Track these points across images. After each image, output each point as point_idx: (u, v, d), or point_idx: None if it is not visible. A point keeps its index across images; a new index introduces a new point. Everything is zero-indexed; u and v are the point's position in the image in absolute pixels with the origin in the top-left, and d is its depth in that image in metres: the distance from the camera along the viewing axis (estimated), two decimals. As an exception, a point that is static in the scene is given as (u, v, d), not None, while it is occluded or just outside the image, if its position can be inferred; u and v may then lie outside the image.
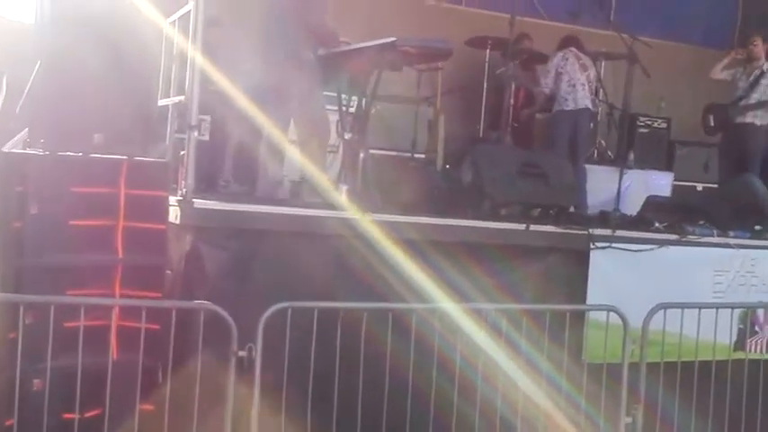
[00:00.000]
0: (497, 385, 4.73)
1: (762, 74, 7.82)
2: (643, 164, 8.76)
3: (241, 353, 3.93)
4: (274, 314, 4.01)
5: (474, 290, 4.90)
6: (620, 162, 8.25)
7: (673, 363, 5.32)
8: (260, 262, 4.55)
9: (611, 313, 4.92)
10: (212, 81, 5.17)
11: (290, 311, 4.05)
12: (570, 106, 7.53)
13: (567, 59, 7.59)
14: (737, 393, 5.53)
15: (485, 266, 4.95)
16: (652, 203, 6.03)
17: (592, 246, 5.28)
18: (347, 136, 5.48)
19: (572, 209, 5.73)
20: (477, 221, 5.00)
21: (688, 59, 9.93)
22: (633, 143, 8.93)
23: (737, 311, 5.68)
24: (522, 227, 5.11)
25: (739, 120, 7.93)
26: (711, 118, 8.28)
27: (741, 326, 5.77)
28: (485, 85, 8.21)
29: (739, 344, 5.76)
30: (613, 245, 5.34)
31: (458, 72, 8.32)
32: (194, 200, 4.36)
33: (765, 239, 5.98)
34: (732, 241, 5.77)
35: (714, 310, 5.37)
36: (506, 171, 5.18)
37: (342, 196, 4.99)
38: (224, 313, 3.95)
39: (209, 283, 4.33)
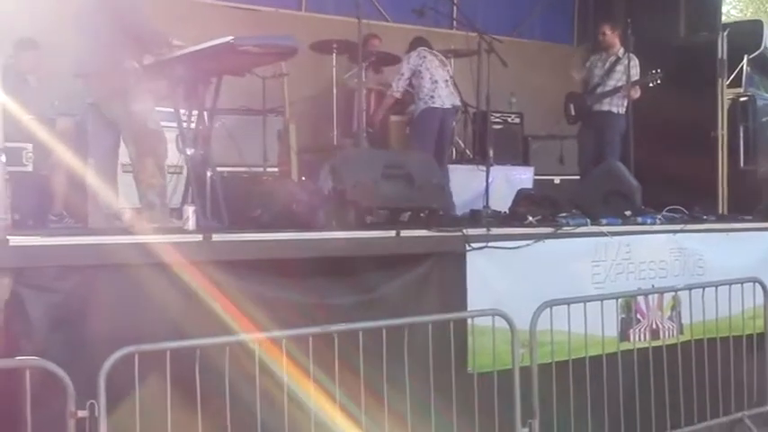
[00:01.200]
0: (383, 409, 4.30)
1: (617, 60, 7.80)
2: (501, 159, 8.60)
3: (81, 413, 3.29)
4: (118, 362, 3.38)
5: (345, 308, 4.44)
6: (481, 159, 8.11)
7: (564, 362, 5.07)
8: (98, 303, 3.89)
9: (497, 317, 4.60)
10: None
11: (137, 357, 3.44)
12: (437, 104, 7.23)
13: (424, 57, 7.30)
14: (629, 385, 5.36)
15: (354, 281, 4.49)
16: (524, 197, 5.76)
17: (468, 247, 4.93)
18: (189, 152, 4.87)
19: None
20: (341, 232, 4.52)
21: (532, 54, 9.88)
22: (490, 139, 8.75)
23: (620, 301, 5.50)
24: (392, 233, 4.67)
25: (597, 108, 7.87)
26: (572, 107, 8.20)
27: (623, 316, 5.58)
28: (334, 91, 7.77)
29: (624, 334, 5.56)
30: (489, 244, 5.00)
31: (305, 79, 7.88)
32: (9, 237, 3.66)
33: (637, 225, 5.82)
34: (606, 229, 5.57)
35: (599, 302, 5.18)
36: (369, 175, 4.74)
37: (186, 219, 4.39)
38: (56, 368, 3.29)
39: (37, 333, 3.64)
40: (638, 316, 5.69)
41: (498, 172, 8.17)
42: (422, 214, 4.92)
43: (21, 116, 5.32)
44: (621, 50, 7.83)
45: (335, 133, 7.71)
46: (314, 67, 7.92)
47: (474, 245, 4.94)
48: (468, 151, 8.34)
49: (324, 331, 4.10)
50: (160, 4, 6.15)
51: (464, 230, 4.93)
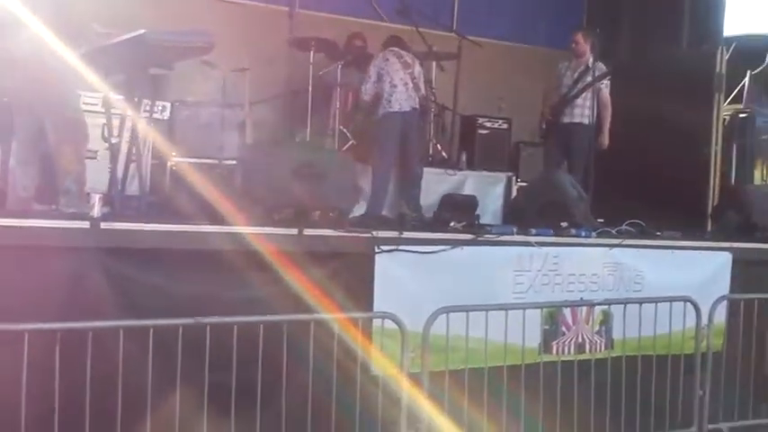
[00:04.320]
0: (281, 401, 4.38)
1: (586, 69, 7.69)
2: (486, 165, 8.59)
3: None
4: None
5: (238, 303, 4.51)
6: (449, 163, 8.14)
7: (479, 369, 5.06)
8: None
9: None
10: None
11: None
12: (395, 108, 7.22)
13: (387, 60, 7.29)
14: (551, 397, 5.32)
15: (248, 276, 4.56)
16: (449, 203, 5.74)
17: (377, 249, 4.95)
18: (114, 141, 5.02)
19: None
20: (238, 227, 4.59)
21: (531, 60, 9.80)
22: (474, 144, 8.74)
23: (543, 311, 5.46)
24: (294, 232, 4.73)
25: (566, 119, 7.80)
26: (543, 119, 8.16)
27: (547, 327, 5.53)
28: (310, 88, 7.84)
29: (546, 346, 5.51)
30: (400, 247, 5.01)
31: (281, 74, 8.00)
32: None
33: (569, 237, 5.76)
34: (532, 239, 5.53)
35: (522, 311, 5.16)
36: (279, 173, 4.80)
37: (92, 205, 4.51)
38: None
39: None
40: (564, 328, 5.63)
41: (474, 177, 8.24)
42: (331, 214, 4.95)
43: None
44: (591, 59, 7.72)
45: (308, 131, 7.80)
46: (291, 63, 8.03)
47: (384, 247, 4.96)
48: (444, 154, 8.32)
49: (218, 321, 4.18)
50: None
51: (374, 233, 4.95)
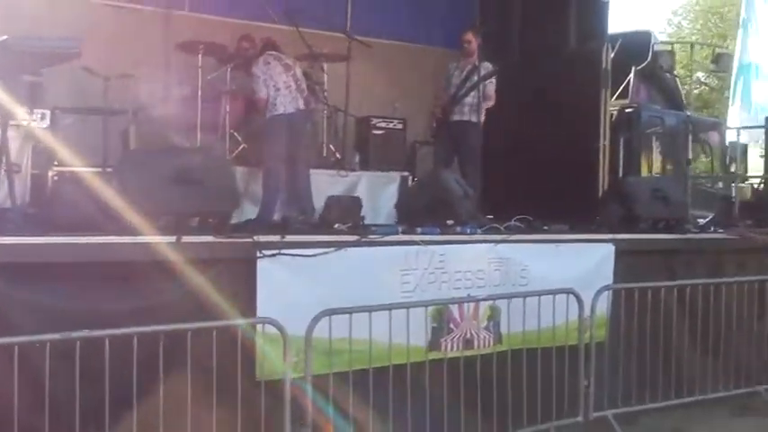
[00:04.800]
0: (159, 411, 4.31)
1: (473, 69, 7.80)
2: (381, 165, 8.62)
3: None
4: None
5: (121, 315, 4.42)
6: (342, 165, 8.14)
7: (365, 371, 5.08)
8: None
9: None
10: None
11: None
12: (280, 110, 7.18)
13: (268, 64, 7.24)
14: (438, 394, 5.37)
15: (131, 287, 4.47)
16: (334, 204, 5.74)
17: (258, 254, 4.91)
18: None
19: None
20: (117, 237, 4.49)
21: (426, 60, 9.89)
22: (369, 145, 8.77)
23: (429, 310, 5.50)
24: (173, 239, 4.65)
25: (455, 117, 7.90)
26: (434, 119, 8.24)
27: (435, 325, 5.58)
28: (199, 93, 7.73)
29: (435, 344, 5.56)
30: (283, 251, 4.98)
31: (169, 79, 7.86)
32: None
33: (454, 234, 5.83)
34: (418, 238, 5.57)
35: (403, 310, 5.19)
36: (157, 180, 4.71)
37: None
38: None
39: None
40: (452, 325, 5.70)
41: (367, 178, 8.26)
42: (210, 219, 4.89)
43: None
44: (477, 60, 7.84)
45: (198, 135, 7.68)
46: (179, 67, 7.90)
47: (265, 252, 4.93)
48: (337, 155, 8.32)
49: (90, 335, 4.10)
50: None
51: (255, 237, 4.91)
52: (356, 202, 5.75)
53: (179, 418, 4.39)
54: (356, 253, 5.32)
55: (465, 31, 8.15)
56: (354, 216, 5.51)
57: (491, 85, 7.89)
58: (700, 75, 23.06)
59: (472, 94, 7.78)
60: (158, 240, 4.64)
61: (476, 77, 7.75)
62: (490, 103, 7.85)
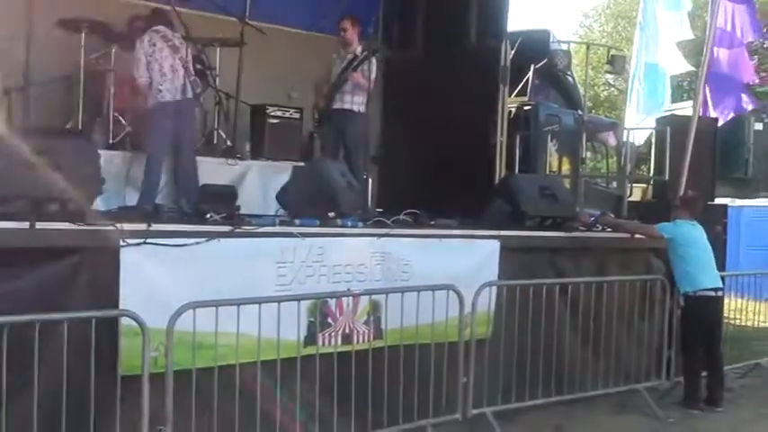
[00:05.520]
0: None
1: (355, 58, 7.67)
2: (276, 154, 8.41)
3: None
4: None
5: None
6: (231, 152, 7.92)
7: (230, 366, 4.90)
8: None
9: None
10: None
11: None
12: (167, 97, 6.90)
13: (154, 45, 6.93)
14: (311, 392, 5.23)
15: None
16: (209, 194, 5.53)
17: (122, 243, 4.66)
18: None
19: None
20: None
21: (324, 49, 9.67)
22: (264, 133, 8.55)
23: (307, 304, 5.35)
24: (26, 225, 4.37)
25: (336, 105, 7.78)
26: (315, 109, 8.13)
27: (312, 319, 5.43)
28: (82, 73, 7.37)
29: (311, 339, 5.41)
30: (149, 241, 4.75)
31: (51, 59, 7.46)
32: None
33: (334, 227, 5.69)
34: (295, 230, 5.41)
35: (275, 304, 5.02)
36: (12, 162, 4.42)
37: None
38: None
39: None
40: (330, 320, 5.56)
41: (256, 167, 8.05)
42: (69, 205, 4.62)
43: None
44: (360, 48, 7.73)
45: (80, 118, 7.33)
46: (60, 46, 7.51)
47: (130, 241, 4.69)
48: (228, 142, 8.08)
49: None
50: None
51: (118, 225, 4.66)
52: (231, 191, 5.53)
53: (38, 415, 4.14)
54: (228, 244, 5.11)
55: (342, 19, 8.02)
56: (229, 206, 5.29)
57: (368, 72, 7.72)
58: (608, 77, 23.54)
59: (351, 82, 7.64)
60: (10, 226, 4.36)
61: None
62: (364, 90, 7.71)
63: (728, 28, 8.89)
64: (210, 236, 5.01)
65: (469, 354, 5.87)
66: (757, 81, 9.34)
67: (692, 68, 11.12)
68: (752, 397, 7.29)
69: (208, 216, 5.13)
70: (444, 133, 8.68)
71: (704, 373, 6.93)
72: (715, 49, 8.89)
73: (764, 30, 11.18)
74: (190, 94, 6.94)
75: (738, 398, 7.17)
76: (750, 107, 9.80)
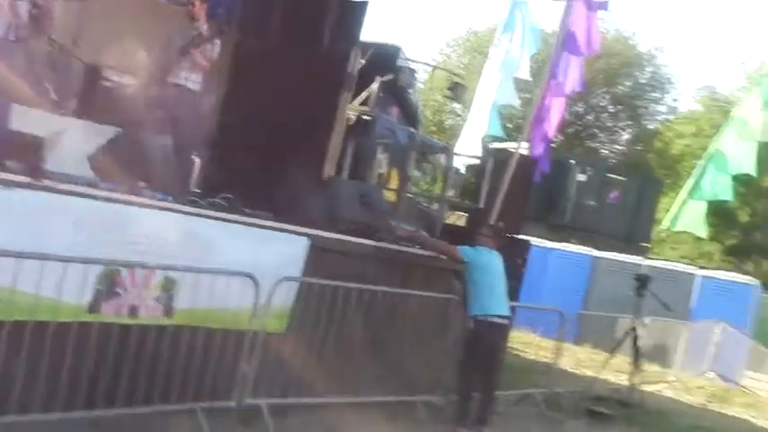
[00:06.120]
0: None
1: (198, 35, 7.57)
2: (103, 117, 8.11)
3: None
4: None
5: None
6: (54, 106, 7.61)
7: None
8: None
9: None
10: None
11: None
12: None
13: None
14: (87, 360, 5.13)
15: None
16: (12, 142, 5.31)
17: None
18: None
19: None
20: None
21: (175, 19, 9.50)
22: (95, 94, 8.22)
23: (98, 270, 5.22)
24: None
25: (170, 79, 7.65)
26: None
27: (99, 287, 5.30)
28: None
29: (95, 305, 5.29)
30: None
31: None
32: None
33: (141, 197, 5.61)
34: (98, 193, 5.29)
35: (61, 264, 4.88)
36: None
37: None
38: None
39: None
40: (119, 289, 5.45)
41: (81, 126, 7.75)
42: None
43: None
44: (206, 26, 7.67)
45: None
46: None
47: None
48: (54, 96, 7.71)
49: None
50: None
51: None
52: (39, 142, 5.34)
53: None
54: (24, 196, 4.93)
55: None
56: (35, 157, 5.10)
57: (210, 53, 7.69)
58: (455, 106, 24.25)
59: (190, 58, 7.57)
60: None
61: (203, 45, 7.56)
62: (202, 69, 7.67)
63: (561, 78, 9.43)
64: (5, 184, 4.82)
65: (255, 344, 5.91)
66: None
67: (517, 103, 11.71)
68: (517, 423, 7.71)
69: (7, 163, 4.92)
70: (282, 127, 8.73)
71: (478, 395, 7.27)
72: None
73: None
74: (13, 40, 6.62)
75: (506, 422, 7.55)
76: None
